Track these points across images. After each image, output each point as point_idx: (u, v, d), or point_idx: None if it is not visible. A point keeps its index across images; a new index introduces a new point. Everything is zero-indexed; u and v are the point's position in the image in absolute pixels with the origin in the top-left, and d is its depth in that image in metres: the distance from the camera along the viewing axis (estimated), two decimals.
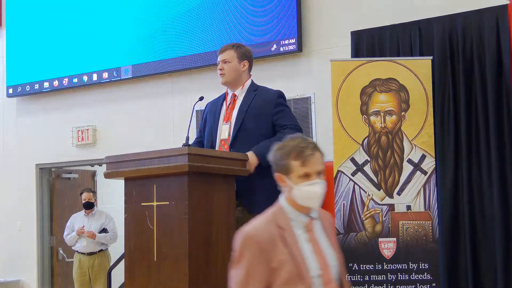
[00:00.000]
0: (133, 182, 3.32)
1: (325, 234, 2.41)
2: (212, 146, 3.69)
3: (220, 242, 3.26)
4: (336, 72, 4.92)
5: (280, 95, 3.71)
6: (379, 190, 4.78)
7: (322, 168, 2.33)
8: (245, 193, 3.47)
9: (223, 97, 3.81)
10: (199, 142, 3.86)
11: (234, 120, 3.65)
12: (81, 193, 7.46)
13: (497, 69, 5.08)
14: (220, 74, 3.72)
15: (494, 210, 4.99)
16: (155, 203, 3.22)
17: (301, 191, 2.30)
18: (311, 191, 2.30)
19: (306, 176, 2.30)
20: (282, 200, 2.38)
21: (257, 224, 2.36)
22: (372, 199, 4.78)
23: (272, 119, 3.61)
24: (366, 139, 4.83)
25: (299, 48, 6.10)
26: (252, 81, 3.79)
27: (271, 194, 3.53)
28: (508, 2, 4.84)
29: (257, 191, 3.51)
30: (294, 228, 2.33)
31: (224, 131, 3.67)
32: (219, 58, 3.74)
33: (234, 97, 3.73)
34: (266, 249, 2.27)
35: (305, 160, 2.29)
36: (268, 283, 2.26)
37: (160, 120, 7.05)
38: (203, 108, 3.97)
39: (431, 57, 4.98)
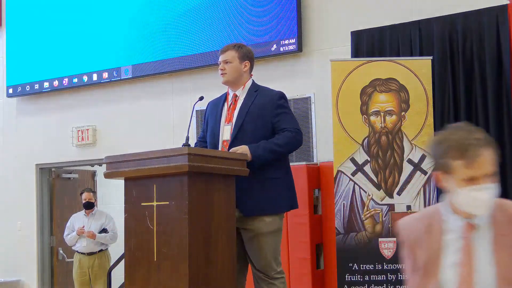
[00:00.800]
0: (133, 182, 3.32)
1: (493, 244, 1.95)
2: (215, 146, 3.69)
3: (220, 242, 3.26)
4: (336, 72, 4.92)
5: (282, 96, 3.70)
6: (379, 190, 4.78)
7: (492, 169, 1.92)
8: (240, 196, 3.46)
9: (224, 97, 3.80)
10: (203, 141, 3.85)
11: (235, 121, 3.64)
12: (81, 193, 7.45)
13: (497, 69, 5.08)
14: (221, 74, 3.71)
15: None
16: (155, 203, 3.21)
17: (464, 197, 1.91)
18: (476, 198, 1.90)
19: (472, 180, 1.89)
20: (443, 197, 2.04)
21: (411, 217, 2.11)
22: (372, 199, 4.78)
23: (272, 121, 3.60)
24: (366, 139, 4.83)
25: (299, 48, 6.10)
26: (253, 81, 3.78)
27: (267, 197, 3.55)
28: (508, 2, 4.84)
29: (252, 193, 3.50)
30: (445, 232, 1.98)
31: (226, 132, 3.67)
32: (220, 58, 3.73)
33: (235, 97, 3.72)
34: (412, 247, 2.03)
35: (470, 160, 1.87)
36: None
37: (160, 120, 7.04)
38: (204, 108, 3.96)
39: (431, 57, 4.98)
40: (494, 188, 1.94)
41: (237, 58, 3.70)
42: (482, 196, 1.91)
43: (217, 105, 3.79)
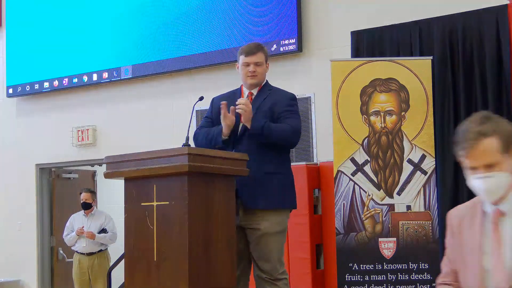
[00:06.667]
0: (133, 182, 3.32)
1: None
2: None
3: (220, 242, 3.26)
4: (336, 72, 4.92)
5: (293, 98, 3.74)
6: (379, 190, 4.78)
7: (492, 160, 1.94)
8: (243, 188, 3.46)
9: (239, 93, 3.77)
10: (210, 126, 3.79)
11: None
12: (80, 193, 7.45)
13: (497, 69, 5.09)
14: (252, 76, 3.69)
15: None
16: (155, 203, 3.21)
17: (472, 184, 2.02)
18: (476, 186, 2.00)
19: (473, 169, 1.98)
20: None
21: (460, 205, 2.18)
22: (372, 199, 4.78)
23: (278, 116, 3.59)
24: (366, 139, 4.83)
25: (299, 48, 6.10)
26: (267, 81, 3.81)
27: (272, 190, 3.53)
28: (508, 2, 4.84)
29: (256, 186, 3.48)
30: (483, 217, 2.06)
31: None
32: (251, 60, 3.68)
33: (251, 95, 3.72)
34: (455, 232, 2.10)
35: (466, 151, 1.95)
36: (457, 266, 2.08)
37: (160, 120, 7.05)
38: (204, 108, 3.93)
39: (431, 57, 4.98)
40: (500, 177, 1.97)
41: (265, 61, 3.74)
42: (482, 185, 1.98)
43: (232, 99, 3.71)
